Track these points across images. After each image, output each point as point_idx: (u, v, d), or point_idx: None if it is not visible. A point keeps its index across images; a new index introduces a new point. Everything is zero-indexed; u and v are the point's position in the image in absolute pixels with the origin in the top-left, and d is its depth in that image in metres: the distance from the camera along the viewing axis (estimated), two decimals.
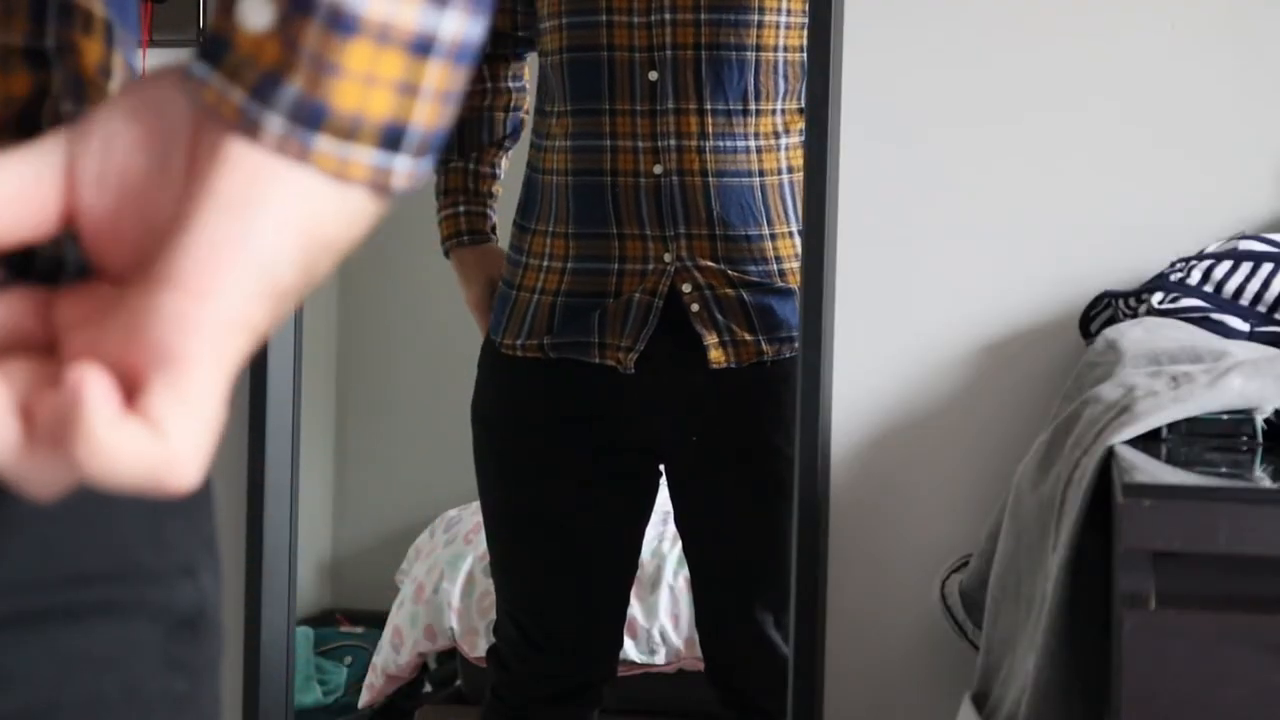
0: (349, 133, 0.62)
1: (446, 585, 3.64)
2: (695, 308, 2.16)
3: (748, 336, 2.17)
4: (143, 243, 0.62)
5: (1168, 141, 2.16)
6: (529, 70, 2.43)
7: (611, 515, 2.27)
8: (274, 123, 0.61)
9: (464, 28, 0.63)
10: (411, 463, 4.43)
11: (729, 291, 2.16)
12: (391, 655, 3.73)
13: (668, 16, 2.13)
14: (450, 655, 3.77)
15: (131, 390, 0.59)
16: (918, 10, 2.19)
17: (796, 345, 2.19)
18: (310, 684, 4.08)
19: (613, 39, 2.14)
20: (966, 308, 2.19)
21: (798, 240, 2.20)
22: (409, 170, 0.64)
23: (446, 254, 2.39)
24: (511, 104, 2.39)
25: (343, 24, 0.61)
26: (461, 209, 2.35)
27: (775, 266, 2.19)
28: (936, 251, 2.19)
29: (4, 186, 0.61)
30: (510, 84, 2.39)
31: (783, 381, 2.20)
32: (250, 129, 0.61)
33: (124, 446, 0.58)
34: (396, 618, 3.74)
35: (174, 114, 0.63)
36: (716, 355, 2.16)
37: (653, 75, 2.14)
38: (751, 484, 2.23)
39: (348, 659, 4.21)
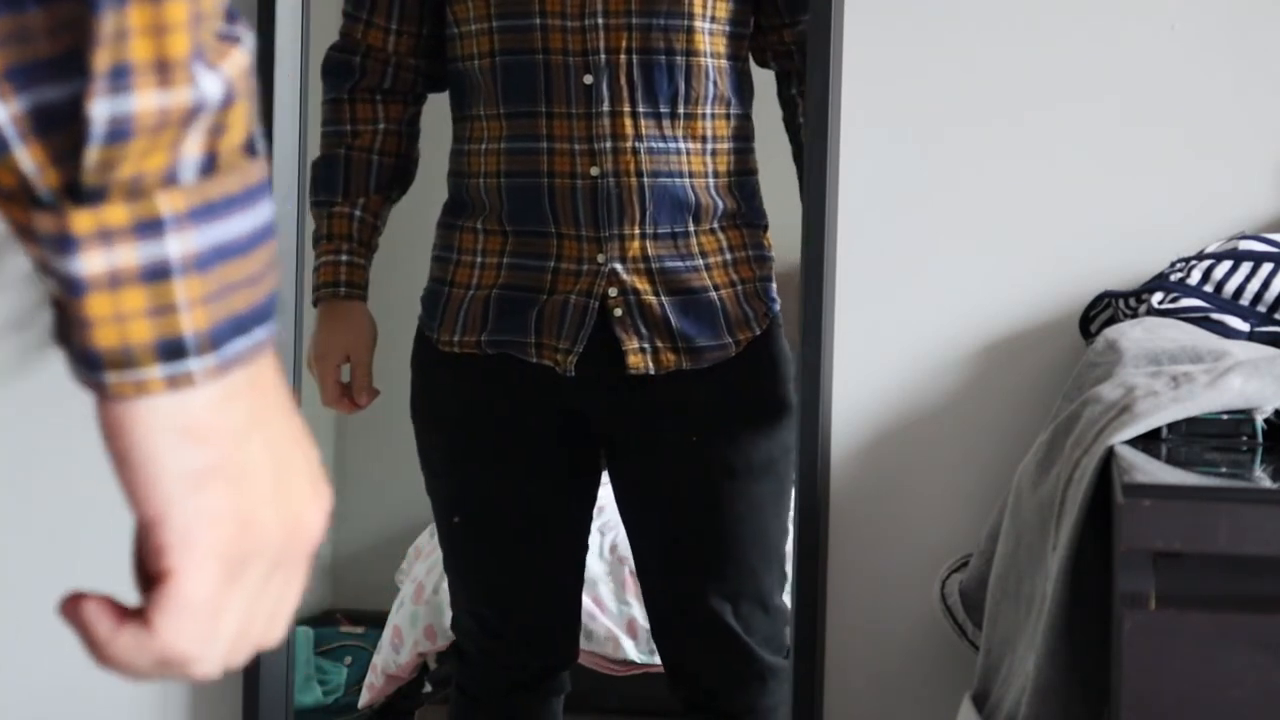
0: (126, 362, 0.71)
1: (446, 585, 3.64)
2: (619, 313, 2.18)
3: (665, 345, 2.19)
4: None
5: (1168, 142, 2.16)
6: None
7: (563, 500, 2.29)
8: (77, 370, 0.72)
9: (199, 241, 0.71)
10: (411, 463, 4.39)
11: (651, 300, 2.18)
12: (391, 655, 3.73)
13: (600, 21, 2.15)
14: (450, 655, 3.77)
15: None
16: (918, 10, 2.19)
17: (718, 352, 2.20)
18: (310, 684, 4.09)
19: (548, 43, 2.15)
20: (966, 308, 2.19)
21: (721, 236, 2.22)
22: (216, 363, 0.72)
23: (315, 303, 2.31)
24: (401, 150, 2.31)
25: (73, 288, 0.70)
26: (344, 257, 2.28)
27: (701, 261, 2.20)
28: (937, 251, 2.19)
29: None
30: (403, 128, 2.31)
31: (717, 381, 2.21)
32: (75, 377, 0.73)
33: (122, 647, 0.74)
34: (396, 618, 3.74)
35: None
36: (635, 361, 2.18)
37: (588, 79, 2.15)
38: (695, 472, 2.23)
39: (348, 659, 4.21)
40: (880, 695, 2.21)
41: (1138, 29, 2.16)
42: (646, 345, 2.18)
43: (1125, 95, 2.16)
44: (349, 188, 2.29)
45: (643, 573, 2.35)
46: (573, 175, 2.15)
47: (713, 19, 2.20)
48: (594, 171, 2.15)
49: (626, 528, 2.35)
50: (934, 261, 2.19)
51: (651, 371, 2.18)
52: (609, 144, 2.15)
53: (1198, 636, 1.21)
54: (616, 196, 2.16)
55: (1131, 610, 1.21)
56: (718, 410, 2.21)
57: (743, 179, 2.25)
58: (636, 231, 2.17)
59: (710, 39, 2.20)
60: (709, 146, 2.21)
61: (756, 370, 2.23)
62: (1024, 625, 1.64)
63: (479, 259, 2.22)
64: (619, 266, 2.17)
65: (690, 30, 2.18)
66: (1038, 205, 2.17)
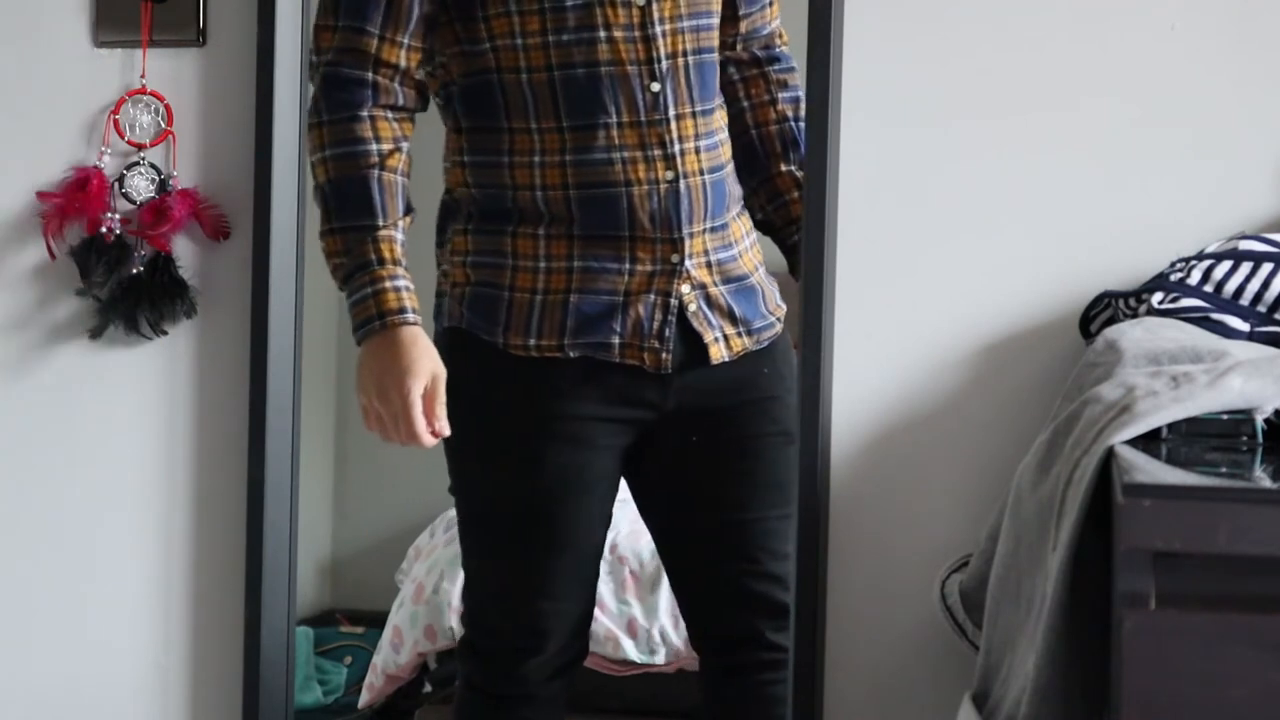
0: None
1: (446, 585, 3.64)
2: (693, 307, 2.23)
3: (733, 331, 2.26)
4: None
5: (1168, 141, 2.16)
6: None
7: (611, 494, 2.30)
8: None
9: None
10: (411, 463, 4.42)
11: (715, 291, 2.25)
12: (391, 655, 3.73)
13: (658, 29, 2.19)
14: (450, 655, 3.77)
15: None
16: (919, 9, 2.20)
17: (769, 331, 2.29)
18: (310, 684, 4.09)
19: (615, 54, 2.17)
20: (966, 308, 2.19)
21: (739, 222, 2.30)
22: None
23: (365, 336, 2.24)
24: (410, 170, 2.28)
25: None
26: (401, 283, 2.21)
27: (735, 249, 2.28)
28: (937, 251, 2.19)
29: None
30: (409, 145, 2.28)
31: (767, 355, 2.29)
32: None
33: None
34: (396, 618, 3.74)
35: None
36: (715, 351, 2.24)
37: (655, 87, 2.20)
38: (756, 441, 2.27)
39: (348, 659, 4.22)
40: (880, 695, 2.21)
41: (1138, 29, 2.16)
42: (719, 335, 2.25)
43: (1125, 95, 2.16)
44: (387, 210, 2.23)
45: (687, 550, 2.35)
46: (651, 182, 2.20)
47: (714, 13, 2.28)
48: (669, 176, 2.21)
49: (668, 513, 2.36)
50: (934, 261, 2.19)
51: (727, 359, 2.25)
52: (677, 147, 2.21)
53: (1198, 636, 1.21)
54: (688, 197, 2.22)
55: (1131, 610, 1.21)
56: (769, 382, 2.29)
57: (731, 164, 2.33)
58: (700, 228, 2.24)
59: (716, 33, 2.29)
60: (723, 136, 2.30)
61: (786, 345, 2.34)
62: (1024, 625, 1.64)
63: (542, 264, 2.22)
64: (689, 264, 2.23)
65: (716, 26, 2.28)
66: (1038, 204, 2.18)
